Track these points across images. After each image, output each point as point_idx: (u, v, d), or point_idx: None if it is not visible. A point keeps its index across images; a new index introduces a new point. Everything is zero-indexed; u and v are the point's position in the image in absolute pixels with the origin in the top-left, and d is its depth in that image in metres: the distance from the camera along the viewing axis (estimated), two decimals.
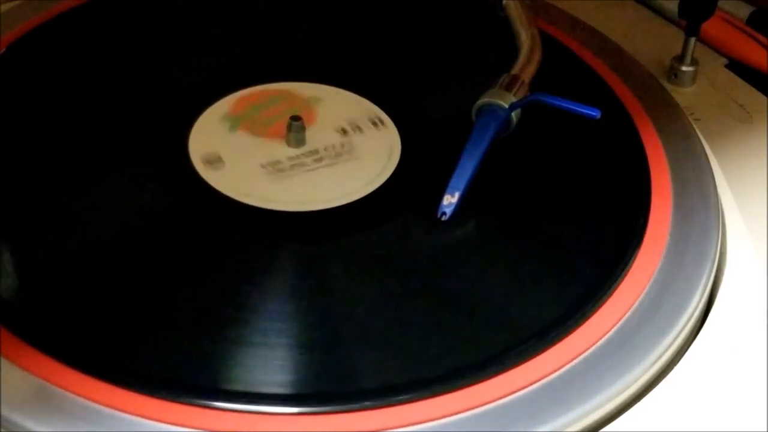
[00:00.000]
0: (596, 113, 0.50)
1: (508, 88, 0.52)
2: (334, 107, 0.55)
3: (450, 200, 0.48)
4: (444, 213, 0.48)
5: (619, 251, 0.48)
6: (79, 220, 0.48)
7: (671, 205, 0.50)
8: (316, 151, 0.52)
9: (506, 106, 0.51)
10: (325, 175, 0.51)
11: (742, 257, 0.50)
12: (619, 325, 0.45)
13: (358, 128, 0.54)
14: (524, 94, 0.52)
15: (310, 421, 0.40)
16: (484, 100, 0.52)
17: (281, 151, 0.52)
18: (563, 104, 0.51)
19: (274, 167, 0.51)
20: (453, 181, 0.49)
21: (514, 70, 0.54)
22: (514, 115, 0.52)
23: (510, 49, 0.57)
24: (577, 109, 0.50)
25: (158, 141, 0.52)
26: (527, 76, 0.54)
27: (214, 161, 0.51)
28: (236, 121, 0.54)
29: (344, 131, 0.54)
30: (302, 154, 0.52)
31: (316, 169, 0.52)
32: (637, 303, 0.46)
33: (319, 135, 0.53)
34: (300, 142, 0.52)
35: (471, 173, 0.49)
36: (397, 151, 0.53)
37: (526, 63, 0.55)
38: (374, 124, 0.54)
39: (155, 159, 0.51)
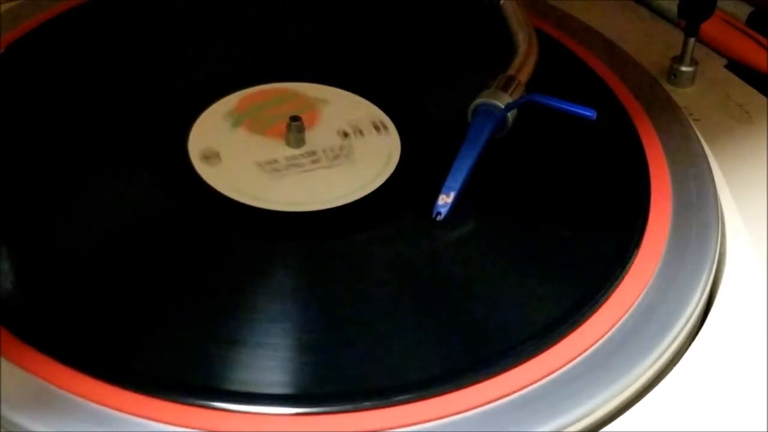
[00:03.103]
0: (592, 114, 0.50)
1: (504, 88, 0.52)
2: (339, 109, 0.55)
3: (445, 200, 0.48)
4: (439, 213, 0.48)
5: (619, 251, 0.48)
6: (78, 220, 0.48)
7: (671, 205, 0.50)
8: (314, 153, 0.52)
9: (502, 106, 0.51)
10: (319, 176, 0.51)
11: (741, 257, 0.50)
12: (618, 325, 0.45)
13: (360, 132, 0.54)
14: (520, 95, 0.52)
15: (310, 421, 0.40)
16: (480, 100, 0.52)
17: (279, 150, 0.52)
18: (559, 105, 0.51)
19: (270, 166, 0.51)
20: (448, 181, 0.49)
21: (511, 71, 0.54)
22: (510, 116, 0.52)
23: (508, 49, 0.57)
24: (573, 109, 0.50)
25: (158, 141, 0.52)
26: (524, 76, 0.54)
27: (211, 157, 0.51)
28: (239, 119, 0.54)
29: (345, 134, 0.54)
30: (300, 155, 0.52)
31: (312, 170, 0.52)
32: (636, 303, 0.46)
33: (320, 136, 0.53)
34: (299, 142, 0.52)
35: (466, 173, 0.49)
36: (396, 156, 0.52)
37: (523, 63, 0.55)
38: (376, 128, 0.54)
39: (155, 159, 0.51)
